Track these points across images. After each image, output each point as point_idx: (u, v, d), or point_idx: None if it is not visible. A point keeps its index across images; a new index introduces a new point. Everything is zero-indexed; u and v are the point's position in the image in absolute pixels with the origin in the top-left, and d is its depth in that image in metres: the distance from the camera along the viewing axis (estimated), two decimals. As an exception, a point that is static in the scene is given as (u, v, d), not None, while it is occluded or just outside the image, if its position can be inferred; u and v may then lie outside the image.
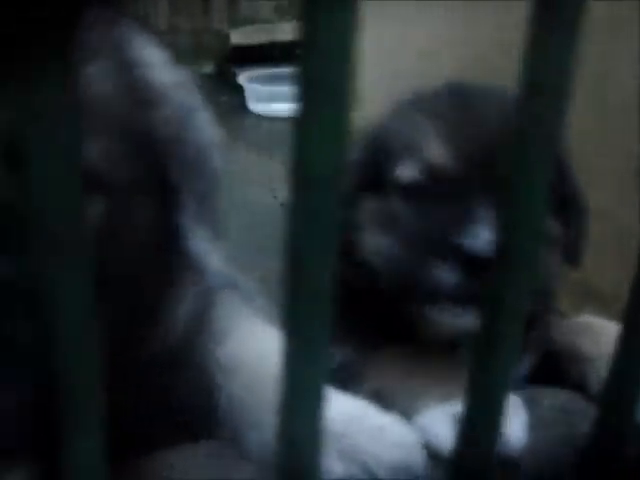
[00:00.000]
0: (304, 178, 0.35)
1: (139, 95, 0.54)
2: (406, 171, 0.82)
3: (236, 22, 3.95)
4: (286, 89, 3.51)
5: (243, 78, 3.61)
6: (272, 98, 3.49)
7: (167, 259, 0.61)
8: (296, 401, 0.39)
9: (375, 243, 0.83)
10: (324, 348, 0.38)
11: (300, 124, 0.35)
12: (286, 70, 3.72)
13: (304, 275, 0.37)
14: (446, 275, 0.74)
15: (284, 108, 3.41)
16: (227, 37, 4.00)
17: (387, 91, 0.94)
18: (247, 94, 3.54)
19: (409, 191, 0.81)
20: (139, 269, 0.58)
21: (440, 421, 0.67)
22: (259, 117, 3.43)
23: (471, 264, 0.72)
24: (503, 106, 0.79)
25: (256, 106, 3.49)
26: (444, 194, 0.79)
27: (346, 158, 0.36)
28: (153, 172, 0.55)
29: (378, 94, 1.21)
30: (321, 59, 0.35)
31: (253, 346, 0.72)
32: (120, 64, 0.54)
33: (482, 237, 0.72)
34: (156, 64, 0.57)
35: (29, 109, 0.31)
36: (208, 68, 3.92)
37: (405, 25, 1.82)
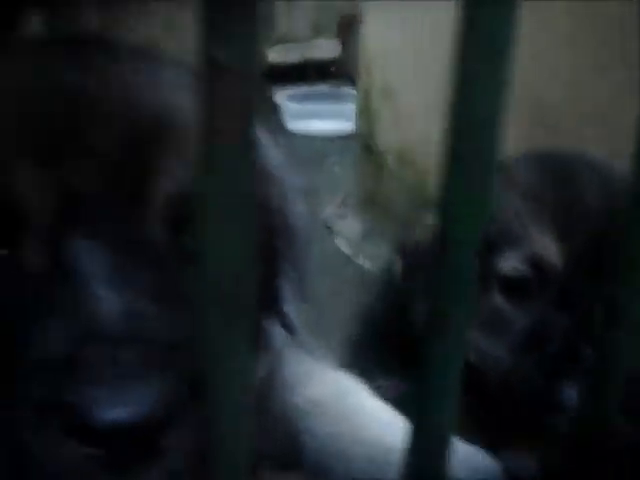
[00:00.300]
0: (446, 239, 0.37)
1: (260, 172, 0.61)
2: (509, 263, 0.75)
3: (272, 40, 4.02)
4: (323, 107, 3.56)
5: (280, 96, 3.67)
6: (310, 116, 3.54)
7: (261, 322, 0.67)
8: (421, 445, 0.42)
9: (479, 345, 0.75)
10: (453, 398, 0.40)
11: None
12: (323, 88, 3.78)
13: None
14: (570, 392, 0.67)
15: (322, 126, 3.47)
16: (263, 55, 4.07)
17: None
18: (284, 112, 3.60)
19: (513, 285, 0.74)
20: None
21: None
22: (297, 135, 3.47)
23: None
24: (606, 181, 0.73)
25: (293, 124, 3.54)
26: (551, 289, 0.72)
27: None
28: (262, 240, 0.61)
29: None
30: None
31: (328, 388, 0.78)
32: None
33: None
34: (268, 144, 0.64)
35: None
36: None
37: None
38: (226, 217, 0.34)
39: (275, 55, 4.08)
